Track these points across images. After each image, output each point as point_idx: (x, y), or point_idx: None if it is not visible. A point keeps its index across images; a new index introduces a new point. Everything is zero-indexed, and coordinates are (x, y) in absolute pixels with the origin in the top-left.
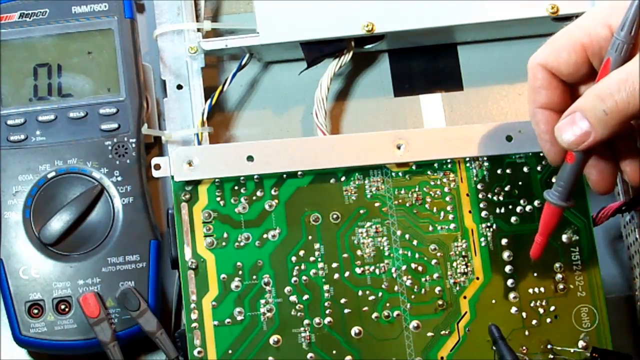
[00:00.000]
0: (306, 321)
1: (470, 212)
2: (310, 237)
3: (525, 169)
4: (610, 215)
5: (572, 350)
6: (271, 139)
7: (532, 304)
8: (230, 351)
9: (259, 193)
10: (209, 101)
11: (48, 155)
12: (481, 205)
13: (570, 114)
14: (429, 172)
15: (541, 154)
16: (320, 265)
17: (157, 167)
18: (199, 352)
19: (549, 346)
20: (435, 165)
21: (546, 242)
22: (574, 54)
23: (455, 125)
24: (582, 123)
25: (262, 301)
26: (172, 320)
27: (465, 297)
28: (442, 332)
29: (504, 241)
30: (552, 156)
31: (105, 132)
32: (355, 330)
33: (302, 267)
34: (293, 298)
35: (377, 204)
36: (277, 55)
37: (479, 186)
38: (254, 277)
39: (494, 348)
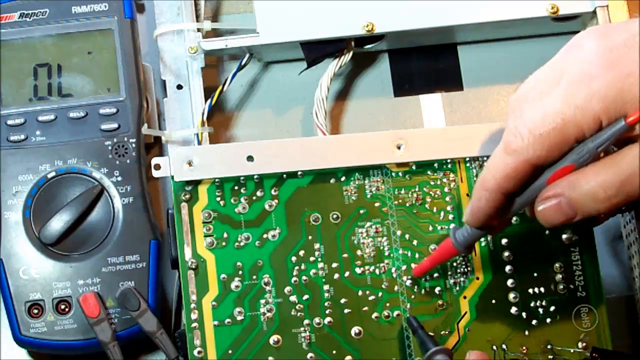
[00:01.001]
0: (306, 321)
1: None
2: (310, 237)
3: None
4: (610, 215)
5: (572, 350)
6: (271, 139)
7: (532, 304)
8: (230, 351)
9: (259, 193)
10: (209, 101)
11: (48, 155)
12: None
13: (555, 198)
14: (429, 172)
15: None
16: (320, 265)
17: (157, 167)
18: (199, 352)
19: (549, 346)
20: (435, 165)
21: (432, 268)
22: (565, 148)
23: (455, 125)
24: (569, 211)
25: (262, 301)
26: (172, 320)
27: (465, 297)
28: (442, 332)
29: (504, 241)
30: (480, 224)
31: (105, 132)
32: (355, 330)
33: (302, 267)
34: (293, 298)
35: (377, 204)
36: (277, 55)
37: None
38: (254, 277)
39: (415, 337)
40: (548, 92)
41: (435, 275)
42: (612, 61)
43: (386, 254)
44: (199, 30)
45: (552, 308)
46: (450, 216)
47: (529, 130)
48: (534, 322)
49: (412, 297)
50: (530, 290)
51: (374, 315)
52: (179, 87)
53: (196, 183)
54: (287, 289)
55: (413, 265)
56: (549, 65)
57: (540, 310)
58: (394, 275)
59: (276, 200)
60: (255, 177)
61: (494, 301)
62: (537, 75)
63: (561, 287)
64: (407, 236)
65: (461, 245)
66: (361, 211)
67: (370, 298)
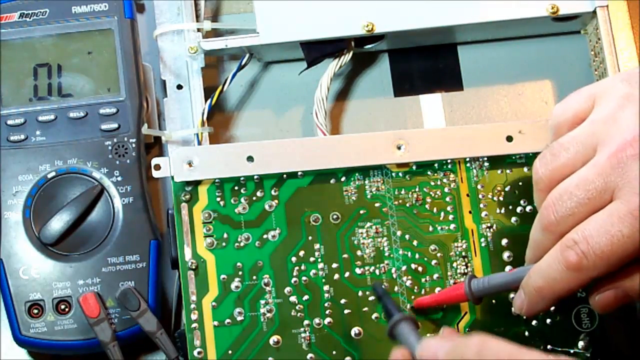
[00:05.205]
0: (306, 322)
1: (470, 212)
2: (310, 238)
3: (525, 169)
4: None
5: (572, 350)
6: (271, 139)
7: None
8: (230, 351)
9: (259, 193)
10: (209, 101)
11: (48, 155)
12: (481, 205)
13: (613, 289)
14: (429, 173)
15: None
16: (320, 265)
17: (157, 167)
18: (198, 353)
19: (548, 347)
20: (436, 165)
21: (433, 306)
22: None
23: (455, 125)
24: (625, 299)
25: (262, 302)
26: (172, 320)
27: None
28: None
29: (504, 241)
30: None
31: (105, 132)
32: (355, 330)
33: (302, 267)
34: (293, 298)
35: (377, 205)
36: (277, 55)
37: (479, 186)
38: (254, 277)
39: (380, 304)
40: (600, 201)
41: (436, 276)
42: None
43: (386, 254)
44: (199, 30)
45: (552, 308)
46: (451, 216)
47: (595, 254)
48: (534, 322)
49: (412, 297)
50: None
51: (374, 315)
52: (179, 87)
53: (196, 183)
54: (287, 289)
55: (413, 266)
56: (581, 149)
57: None
58: (394, 275)
59: (276, 201)
60: (255, 177)
61: (494, 301)
62: (569, 156)
63: None
64: (407, 236)
65: (474, 296)
66: (361, 211)
67: (371, 298)
